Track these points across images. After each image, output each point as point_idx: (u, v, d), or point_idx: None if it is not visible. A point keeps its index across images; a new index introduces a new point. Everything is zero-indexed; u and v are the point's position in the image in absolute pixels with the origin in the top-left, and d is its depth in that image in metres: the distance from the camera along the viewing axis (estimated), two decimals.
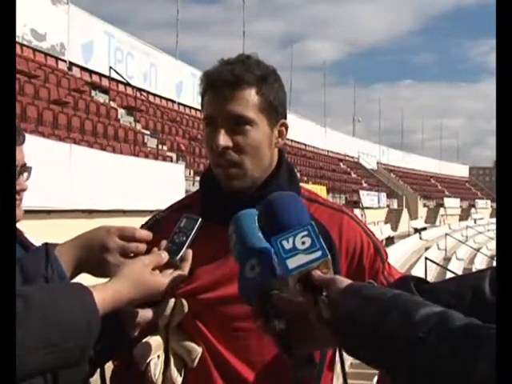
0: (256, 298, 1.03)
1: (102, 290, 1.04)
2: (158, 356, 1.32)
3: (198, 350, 1.34)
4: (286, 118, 1.45)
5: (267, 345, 1.11)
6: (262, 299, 1.02)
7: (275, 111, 1.40)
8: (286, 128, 1.45)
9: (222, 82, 1.33)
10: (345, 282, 0.97)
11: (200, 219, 1.21)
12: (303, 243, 0.98)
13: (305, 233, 0.99)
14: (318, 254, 0.97)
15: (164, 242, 1.21)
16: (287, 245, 0.98)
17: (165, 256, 1.16)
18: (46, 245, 1.17)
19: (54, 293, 0.98)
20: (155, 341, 1.32)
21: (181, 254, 1.17)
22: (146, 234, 1.22)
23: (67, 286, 1.06)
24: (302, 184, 1.52)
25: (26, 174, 1.29)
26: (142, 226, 1.43)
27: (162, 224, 1.41)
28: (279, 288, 1.02)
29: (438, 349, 0.82)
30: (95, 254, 1.17)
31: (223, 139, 1.33)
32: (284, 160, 1.47)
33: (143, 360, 1.30)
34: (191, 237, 1.19)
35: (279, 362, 1.24)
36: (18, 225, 1.33)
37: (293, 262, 0.96)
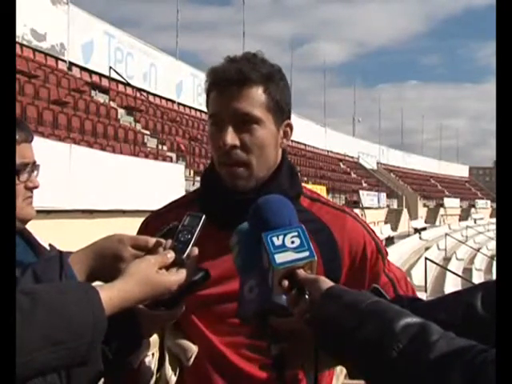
0: (254, 320, 1.06)
1: (109, 290, 1.04)
2: (153, 354, 1.31)
3: (194, 348, 1.34)
4: (290, 118, 1.44)
5: None
6: (259, 321, 1.05)
7: (281, 110, 1.39)
8: (291, 128, 1.44)
9: (228, 80, 1.32)
10: (327, 283, 0.98)
11: (204, 216, 1.20)
12: (292, 242, 1.01)
13: (295, 233, 1.02)
14: (306, 254, 1.00)
15: (169, 241, 1.20)
16: (277, 241, 1.01)
17: (171, 256, 1.15)
18: (60, 253, 1.18)
19: (61, 291, 0.99)
20: (151, 338, 1.31)
21: (187, 251, 1.17)
22: (160, 243, 1.21)
23: (74, 285, 1.07)
24: (302, 184, 1.52)
25: (35, 172, 1.32)
26: (149, 230, 1.41)
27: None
28: (277, 310, 1.04)
29: (416, 360, 0.82)
30: (109, 263, 1.18)
31: (231, 137, 1.32)
32: (286, 160, 1.46)
33: (137, 358, 1.29)
34: (196, 234, 1.18)
35: None
36: (28, 225, 1.34)
37: (281, 258, 0.99)
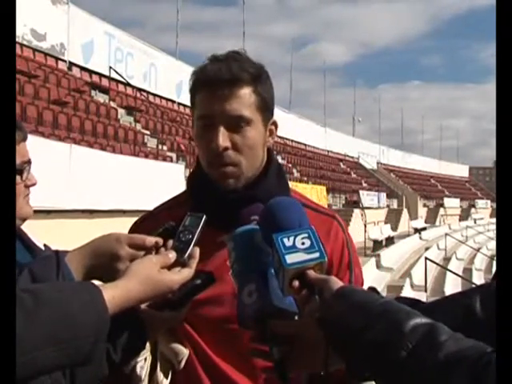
0: (253, 325, 1.06)
1: (112, 289, 1.04)
2: (145, 359, 1.29)
3: (185, 352, 1.33)
4: (273, 115, 1.43)
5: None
6: (259, 326, 1.05)
7: (268, 109, 1.39)
8: (276, 126, 1.43)
9: (219, 81, 1.30)
10: (338, 283, 0.99)
11: (204, 216, 1.21)
12: (303, 243, 1.01)
13: (305, 235, 1.02)
14: (316, 254, 1.00)
15: (170, 242, 1.21)
16: (288, 242, 1.01)
17: (172, 256, 1.16)
18: (56, 253, 1.18)
19: (64, 290, 0.99)
20: None
21: (188, 251, 1.17)
22: (156, 242, 1.22)
23: (77, 284, 1.07)
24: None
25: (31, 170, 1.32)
26: (141, 231, 1.40)
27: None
28: (278, 314, 1.04)
29: (425, 360, 0.82)
30: (105, 262, 1.18)
31: (223, 139, 1.30)
32: (273, 159, 1.45)
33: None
34: (197, 234, 1.19)
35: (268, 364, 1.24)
36: (24, 225, 1.34)
37: (291, 258, 0.99)
